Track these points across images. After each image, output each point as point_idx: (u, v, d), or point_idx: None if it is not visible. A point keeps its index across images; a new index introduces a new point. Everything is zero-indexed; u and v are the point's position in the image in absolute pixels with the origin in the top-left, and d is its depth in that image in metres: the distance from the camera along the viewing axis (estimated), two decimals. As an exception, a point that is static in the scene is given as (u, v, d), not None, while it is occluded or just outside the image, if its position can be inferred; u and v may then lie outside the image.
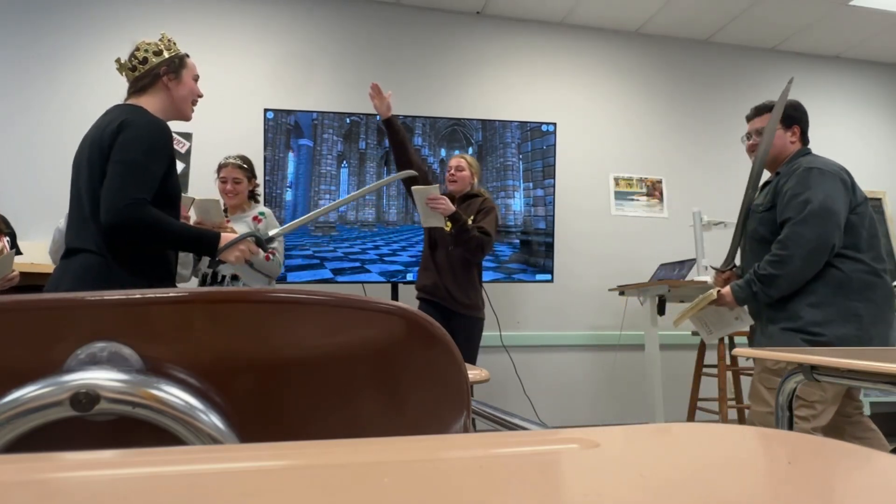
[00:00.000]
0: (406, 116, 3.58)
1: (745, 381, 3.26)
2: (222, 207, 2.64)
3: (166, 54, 1.90)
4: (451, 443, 0.38)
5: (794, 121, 2.24)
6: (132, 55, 1.90)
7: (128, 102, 1.87)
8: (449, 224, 2.77)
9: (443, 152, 3.59)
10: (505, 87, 4.16)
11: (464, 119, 3.69)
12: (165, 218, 1.71)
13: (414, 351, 0.47)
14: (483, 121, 3.67)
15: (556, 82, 4.25)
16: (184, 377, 0.42)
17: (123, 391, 0.39)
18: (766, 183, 2.26)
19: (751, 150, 2.29)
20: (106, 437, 0.43)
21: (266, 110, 3.36)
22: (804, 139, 2.25)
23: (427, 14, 4.10)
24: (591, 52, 4.36)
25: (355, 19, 3.98)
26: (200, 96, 2.00)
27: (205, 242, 1.80)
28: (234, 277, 2.70)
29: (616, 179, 4.26)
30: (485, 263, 3.49)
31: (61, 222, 2.52)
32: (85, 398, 0.39)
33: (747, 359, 3.16)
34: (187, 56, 1.97)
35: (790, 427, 1.60)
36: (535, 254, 3.61)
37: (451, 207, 2.74)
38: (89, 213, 1.73)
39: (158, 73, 1.88)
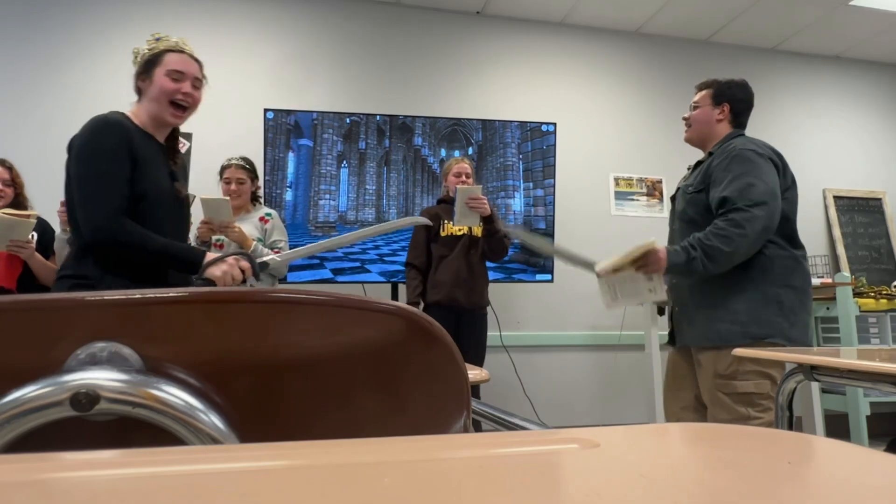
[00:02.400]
0: (406, 116, 3.58)
1: (745, 381, 3.25)
2: (230, 207, 2.62)
3: (143, 56, 1.75)
4: (451, 443, 0.38)
5: (724, 98, 2.19)
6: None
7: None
8: (480, 226, 2.90)
9: (443, 152, 3.58)
10: (505, 87, 4.16)
11: (464, 119, 3.69)
12: (143, 236, 1.60)
13: (414, 351, 0.47)
14: (483, 121, 3.67)
15: (556, 82, 4.25)
16: (184, 377, 0.42)
17: (123, 391, 0.39)
18: (699, 163, 2.25)
19: (685, 120, 2.27)
20: (106, 437, 0.43)
21: (266, 110, 3.36)
22: (737, 121, 2.20)
23: (427, 14, 4.10)
24: (591, 52, 4.36)
25: (355, 19, 3.98)
26: (181, 93, 1.74)
27: (188, 261, 1.65)
28: (244, 279, 2.70)
29: (616, 179, 4.26)
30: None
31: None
32: (85, 398, 0.39)
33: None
34: (169, 51, 1.75)
35: (790, 427, 1.60)
36: (536, 254, 3.61)
37: (489, 209, 2.86)
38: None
39: (138, 79, 1.76)
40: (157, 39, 1.78)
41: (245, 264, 1.67)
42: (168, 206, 1.76)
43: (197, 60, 1.81)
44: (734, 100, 2.19)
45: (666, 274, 2.04)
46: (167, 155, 1.83)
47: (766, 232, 1.95)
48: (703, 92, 2.25)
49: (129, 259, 1.64)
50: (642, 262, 2.02)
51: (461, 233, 2.94)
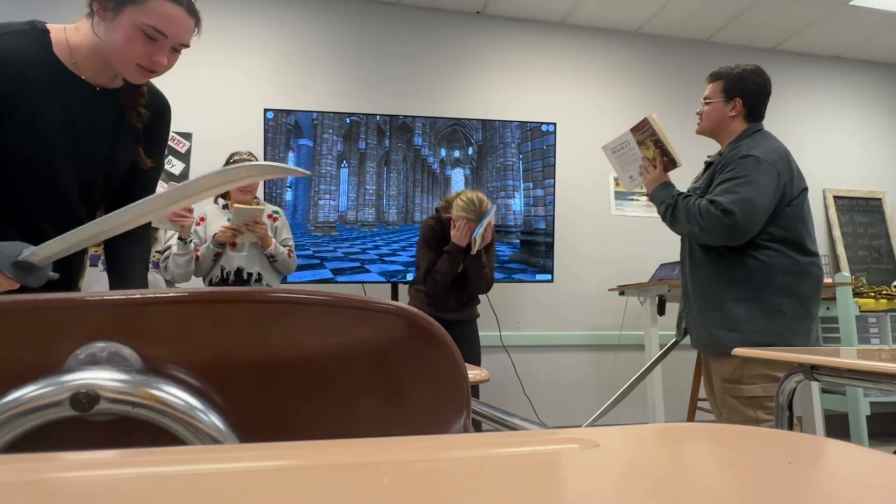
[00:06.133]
0: (406, 116, 3.58)
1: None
2: (263, 212, 2.73)
3: None
4: (451, 443, 0.38)
5: (737, 93, 2.07)
6: None
7: None
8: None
9: (443, 152, 3.58)
10: (505, 87, 4.16)
11: (464, 119, 3.69)
12: None
13: (413, 351, 0.47)
14: (483, 121, 3.66)
15: (556, 82, 4.25)
16: (184, 377, 0.42)
17: (123, 391, 0.39)
18: (710, 164, 2.18)
19: (698, 115, 2.23)
20: (106, 437, 0.43)
21: (266, 110, 3.36)
22: (751, 115, 2.09)
23: (427, 14, 4.10)
24: (591, 52, 4.36)
25: (355, 19, 3.98)
26: (150, 59, 1.21)
27: None
28: (259, 277, 2.74)
29: (616, 179, 4.26)
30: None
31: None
32: (85, 398, 0.39)
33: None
34: None
35: (790, 427, 1.60)
36: (535, 254, 3.61)
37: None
38: None
39: None
40: None
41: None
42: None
43: (195, 14, 1.27)
44: (747, 93, 2.07)
45: (648, 195, 2.23)
46: (119, 107, 1.31)
47: (732, 238, 1.94)
48: (714, 84, 2.12)
49: None
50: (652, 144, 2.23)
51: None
